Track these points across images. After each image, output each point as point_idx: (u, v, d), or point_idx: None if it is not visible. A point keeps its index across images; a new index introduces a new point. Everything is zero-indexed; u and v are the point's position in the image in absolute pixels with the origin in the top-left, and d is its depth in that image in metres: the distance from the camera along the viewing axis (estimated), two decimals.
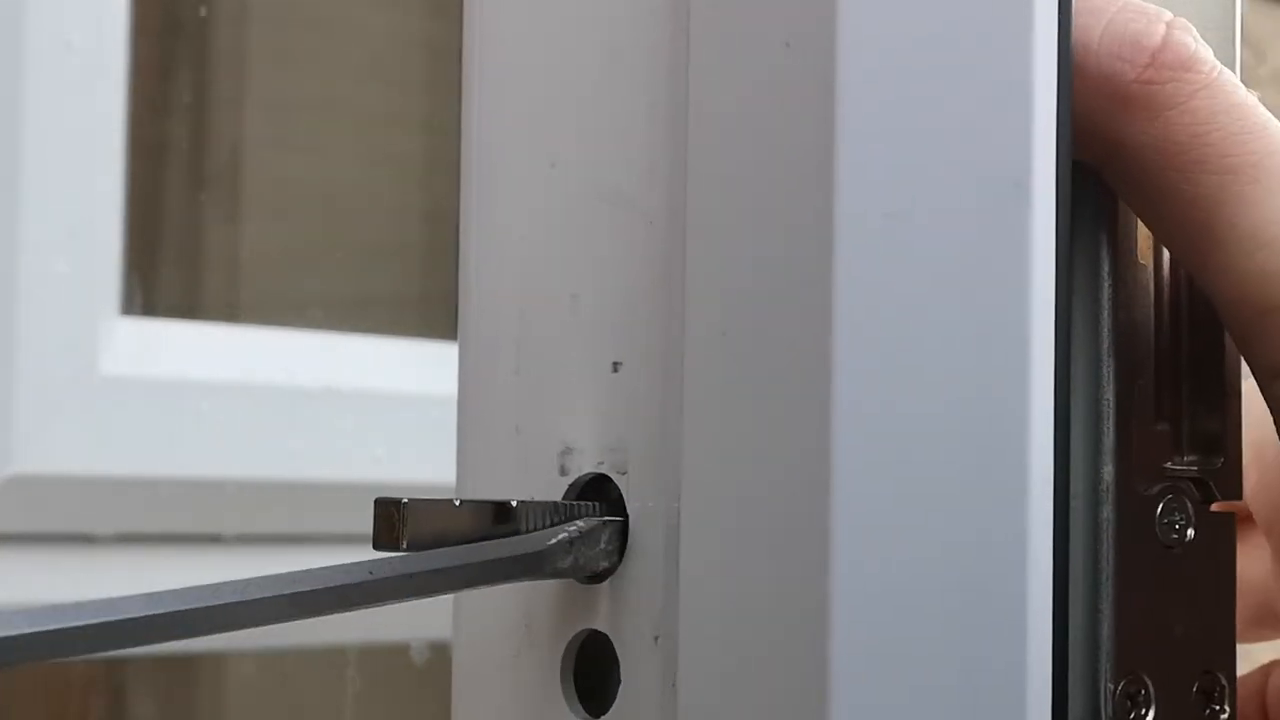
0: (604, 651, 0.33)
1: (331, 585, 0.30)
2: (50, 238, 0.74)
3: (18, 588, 0.75)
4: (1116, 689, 0.33)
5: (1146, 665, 0.33)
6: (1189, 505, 0.34)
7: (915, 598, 0.29)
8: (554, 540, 0.32)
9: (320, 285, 0.93)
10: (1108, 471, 0.33)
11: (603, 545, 0.32)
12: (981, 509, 0.30)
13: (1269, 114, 0.33)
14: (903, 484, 0.29)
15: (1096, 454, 0.33)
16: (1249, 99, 0.33)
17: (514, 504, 0.32)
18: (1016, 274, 0.30)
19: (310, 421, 0.82)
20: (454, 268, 0.35)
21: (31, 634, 0.27)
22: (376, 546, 0.31)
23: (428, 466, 0.79)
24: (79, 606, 0.27)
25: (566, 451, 0.33)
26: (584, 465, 0.33)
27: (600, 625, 0.33)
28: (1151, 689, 0.33)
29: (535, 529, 0.32)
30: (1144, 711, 0.33)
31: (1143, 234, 0.34)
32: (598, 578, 0.33)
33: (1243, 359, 0.34)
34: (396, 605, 0.31)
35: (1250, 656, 0.39)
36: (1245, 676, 0.40)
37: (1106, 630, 0.33)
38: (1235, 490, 0.34)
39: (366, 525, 0.31)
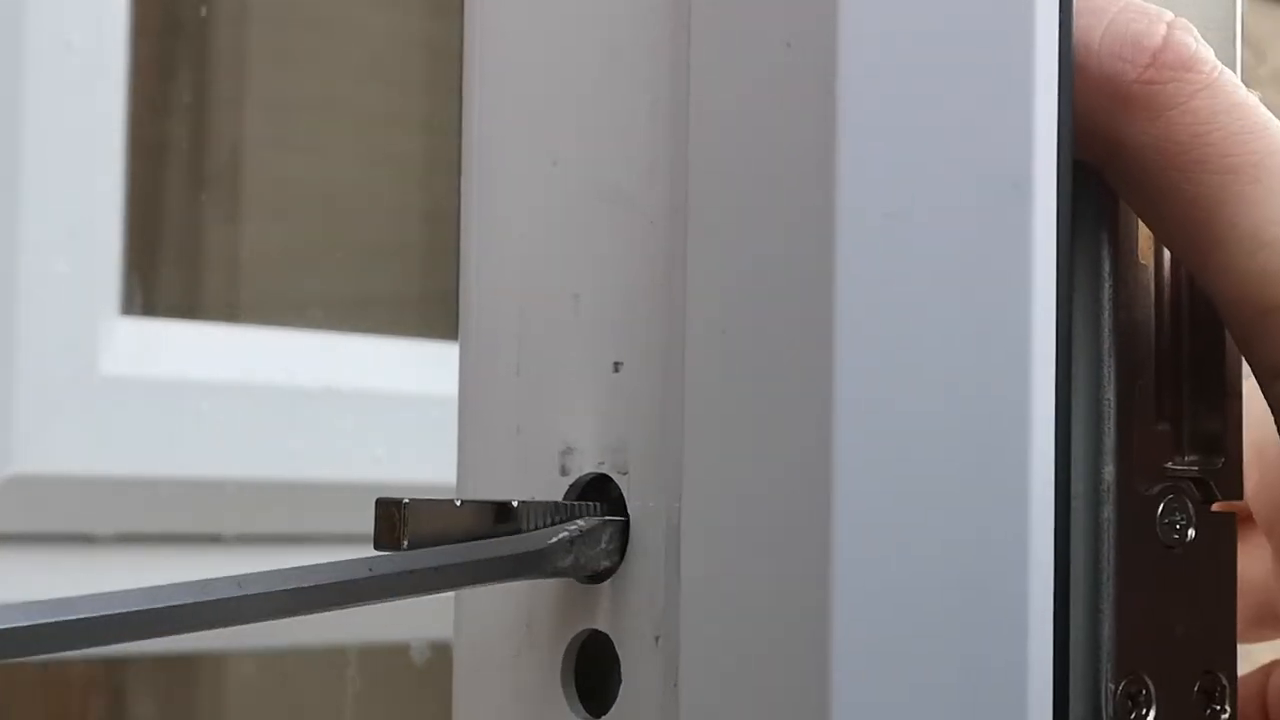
0: (605, 651, 0.33)
1: (332, 581, 0.30)
2: (50, 238, 0.74)
3: (18, 588, 0.75)
4: (1117, 689, 0.33)
5: (1147, 665, 0.33)
6: (1190, 505, 0.34)
7: (916, 597, 0.29)
8: (555, 539, 0.32)
9: (320, 285, 0.93)
10: (1108, 471, 0.33)
11: (604, 545, 0.32)
12: (982, 509, 0.30)
13: (1270, 114, 0.33)
14: (903, 483, 0.29)
15: (1097, 454, 0.33)
16: (1250, 99, 0.33)
17: (515, 504, 0.32)
18: (1017, 273, 0.30)
19: (310, 421, 0.82)
20: (454, 268, 0.35)
21: (33, 626, 0.27)
22: (377, 546, 0.31)
23: (428, 466, 0.79)
24: (77, 600, 0.27)
25: (567, 451, 0.33)
26: (585, 465, 0.33)
27: (601, 625, 0.33)
28: (1152, 689, 0.33)
29: (536, 529, 0.32)
30: (1145, 711, 0.33)
31: (1143, 234, 0.34)
32: (598, 577, 0.33)
33: (1244, 359, 0.34)
34: (397, 605, 0.31)
35: (1251, 656, 0.39)
36: (1246, 676, 0.40)
37: (1107, 630, 0.33)
38: (1236, 490, 0.34)
39: (367, 525, 0.31)
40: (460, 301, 0.35)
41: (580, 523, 0.32)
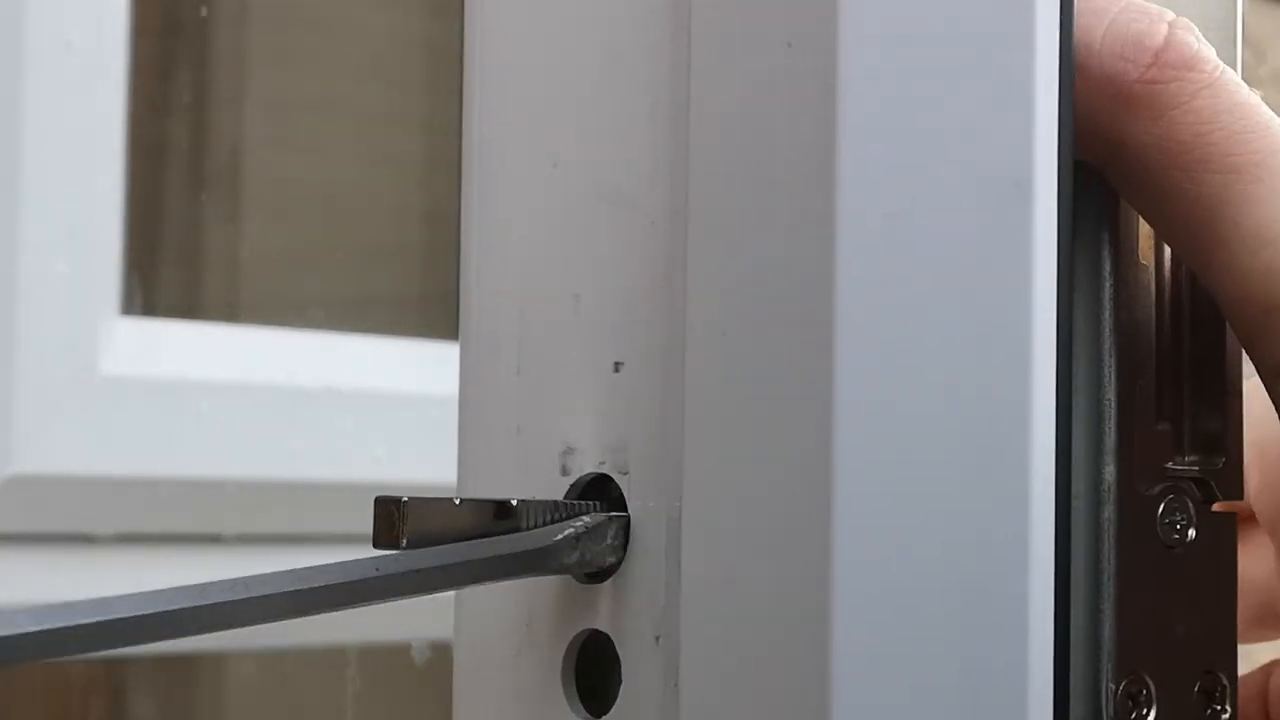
0: (605, 651, 0.33)
1: (338, 581, 0.30)
2: (50, 238, 0.74)
3: (18, 588, 0.75)
4: (1118, 689, 0.33)
5: (1148, 665, 0.33)
6: (1190, 505, 0.34)
7: (916, 597, 0.29)
8: (560, 536, 0.32)
9: (320, 285, 0.93)
10: (1109, 471, 0.33)
11: (609, 541, 0.32)
12: (983, 509, 0.30)
13: (1272, 113, 0.33)
14: (904, 484, 0.29)
15: (1098, 454, 0.33)
16: (1252, 98, 0.33)
17: (514, 502, 0.32)
18: (1018, 274, 0.30)
19: (310, 421, 0.81)
20: (454, 268, 0.35)
21: (39, 632, 0.27)
22: (376, 545, 0.31)
23: (428, 466, 0.79)
24: (82, 605, 0.27)
25: (568, 451, 0.33)
26: (585, 465, 0.33)
27: (601, 625, 0.33)
28: (1153, 689, 0.33)
29: (536, 527, 0.32)
30: (1145, 711, 0.33)
31: (1144, 234, 0.34)
32: (601, 575, 0.33)
33: (1245, 358, 0.34)
34: (397, 604, 0.31)
35: (1251, 656, 0.39)
36: (1246, 676, 0.40)
37: (1108, 630, 0.33)
38: (1236, 490, 0.34)
39: (367, 525, 0.31)
40: (460, 301, 0.35)
41: (586, 519, 0.32)
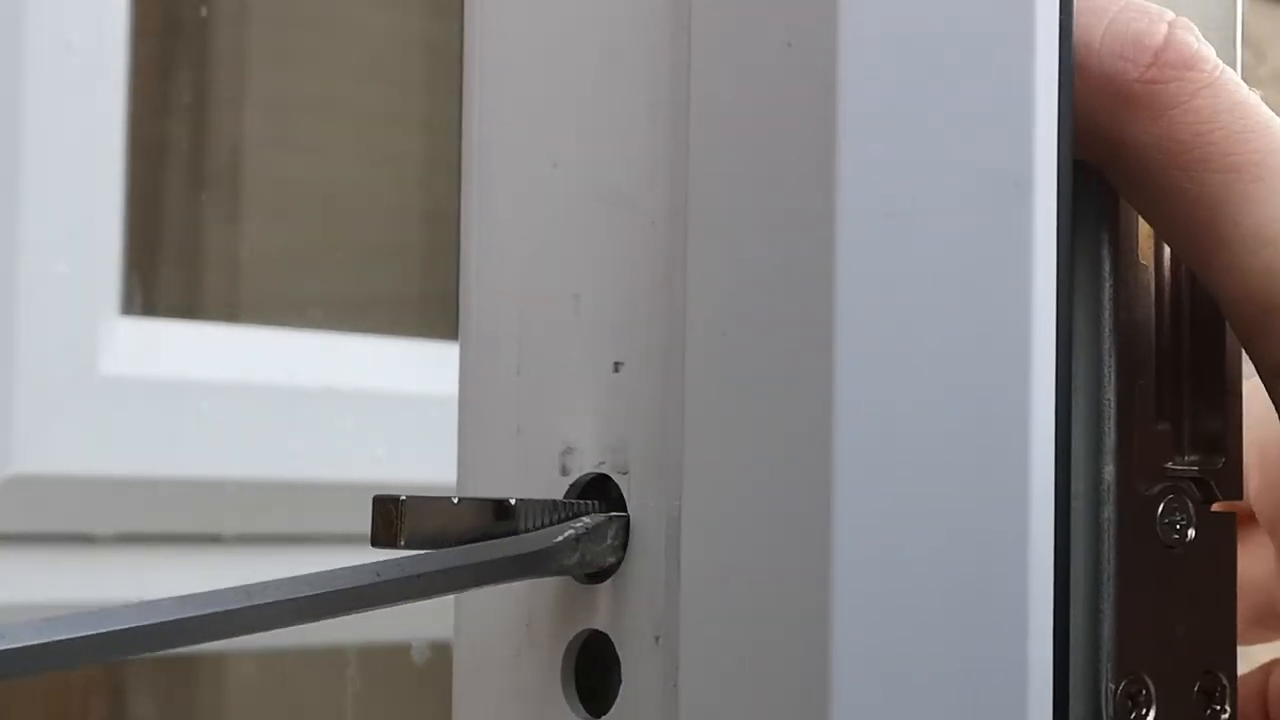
0: (605, 651, 0.33)
1: (339, 588, 0.30)
2: (50, 238, 0.74)
3: (18, 588, 0.75)
4: (1117, 689, 0.33)
5: (1147, 665, 0.33)
6: (1190, 505, 0.34)
7: (916, 597, 0.29)
8: (561, 537, 0.32)
9: (320, 285, 0.93)
10: (1109, 471, 0.33)
11: (609, 541, 0.32)
12: (982, 509, 0.30)
13: (1271, 113, 0.33)
14: (903, 483, 0.29)
15: (1097, 454, 0.33)
16: (1251, 97, 0.33)
17: (513, 502, 0.32)
18: (1017, 273, 0.30)
19: (310, 421, 0.82)
20: (454, 268, 0.35)
21: (42, 644, 0.27)
22: (374, 544, 0.31)
23: (428, 466, 0.79)
24: (84, 617, 0.27)
25: (568, 451, 0.33)
26: (585, 465, 0.33)
27: (601, 625, 0.33)
28: (1152, 689, 0.33)
29: (535, 527, 0.32)
30: (1145, 711, 0.33)
31: (1144, 234, 0.34)
32: (602, 575, 0.33)
33: (1245, 358, 0.34)
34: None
35: (1250, 656, 0.39)
36: (1246, 676, 0.40)
37: (1107, 630, 0.33)
38: (1236, 490, 0.34)
39: (366, 525, 0.31)
40: (460, 301, 0.35)
41: (585, 519, 0.32)
